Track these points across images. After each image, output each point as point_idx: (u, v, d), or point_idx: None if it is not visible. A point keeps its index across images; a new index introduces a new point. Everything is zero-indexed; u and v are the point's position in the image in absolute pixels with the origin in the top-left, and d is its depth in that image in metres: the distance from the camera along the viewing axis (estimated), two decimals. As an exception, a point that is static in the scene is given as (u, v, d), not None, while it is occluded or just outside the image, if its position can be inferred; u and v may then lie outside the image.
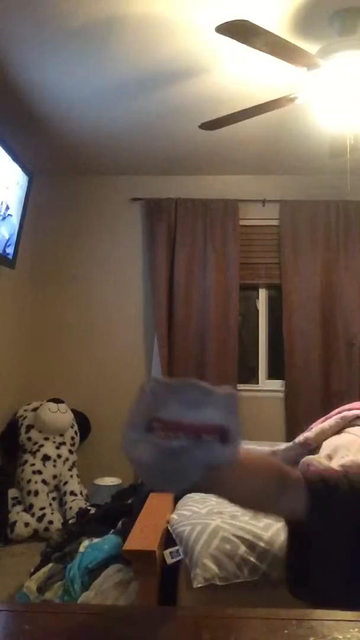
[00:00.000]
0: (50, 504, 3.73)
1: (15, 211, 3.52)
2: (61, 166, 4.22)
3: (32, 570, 2.70)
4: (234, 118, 2.63)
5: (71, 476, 3.94)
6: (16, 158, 3.36)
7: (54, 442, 3.96)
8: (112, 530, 2.59)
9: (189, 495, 2.29)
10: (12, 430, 3.96)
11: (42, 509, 3.66)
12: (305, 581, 0.78)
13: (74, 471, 3.99)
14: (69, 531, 3.03)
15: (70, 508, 3.74)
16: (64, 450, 3.98)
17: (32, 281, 4.40)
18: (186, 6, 2.23)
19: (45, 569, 2.60)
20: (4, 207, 3.35)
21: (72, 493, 3.85)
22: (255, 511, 0.86)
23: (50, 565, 2.62)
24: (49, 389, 4.16)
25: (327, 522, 0.77)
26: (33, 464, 3.83)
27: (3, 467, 3.82)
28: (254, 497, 0.78)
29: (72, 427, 4.10)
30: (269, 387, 4.39)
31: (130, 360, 4.34)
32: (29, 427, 3.95)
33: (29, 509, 3.66)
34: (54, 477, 3.86)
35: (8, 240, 3.49)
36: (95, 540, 2.54)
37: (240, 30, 1.98)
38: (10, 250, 3.55)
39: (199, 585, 1.75)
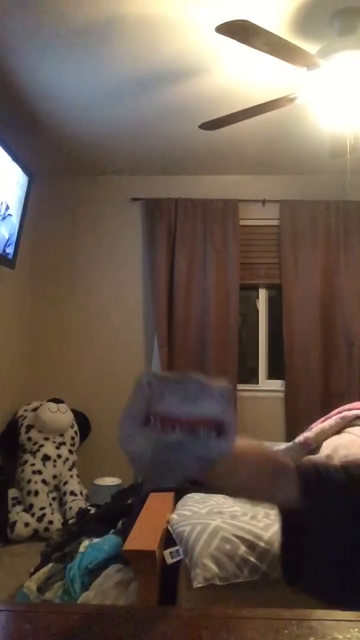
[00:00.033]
0: (50, 504, 3.74)
1: (15, 211, 3.52)
2: (61, 166, 4.22)
3: (32, 570, 2.70)
4: (234, 118, 2.63)
5: (71, 476, 3.94)
6: (16, 158, 3.36)
7: (54, 442, 3.96)
8: (112, 530, 2.59)
9: (189, 495, 2.29)
10: (12, 430, 3.96)
11: (42, 509, 3.66)
12: (299, 570, 0.78)
13: (74, 471, 3.99)
14: (69, 531, 3.03)
15: (70, 508, 3.74)
16: (64, 450, 3.98)
17: (32, 281, 4.40)
18: (186, 6, 2.23)
19: (45, 569, 2.59)
20: (4, 207, 3.35)
21: (72, 493, 3.85)
22: (248, 500, 0.87)
23: (50, 565, 2.61)
24: (49, 389, 4.16)
25: (318, 507, 0.77)
26: (33, 464, 3.83)
27: (3, 467, 3.82)
28: (248, 486, 0.78)
29: (72, 427, 4.10)
30: (269, 387, 4.39)
31: (130, 360, 4.34)
32: (29, 427, 3.96)
33: (29, 509, 3.67)
34: (54, 477, 3.86)
35: (8, 240, 3.49)
36: (95, 540, 2.54)
37: (240, 30, 1.98)
38: (10, 250, 3.55)
39: (199, 585, 1.75)
